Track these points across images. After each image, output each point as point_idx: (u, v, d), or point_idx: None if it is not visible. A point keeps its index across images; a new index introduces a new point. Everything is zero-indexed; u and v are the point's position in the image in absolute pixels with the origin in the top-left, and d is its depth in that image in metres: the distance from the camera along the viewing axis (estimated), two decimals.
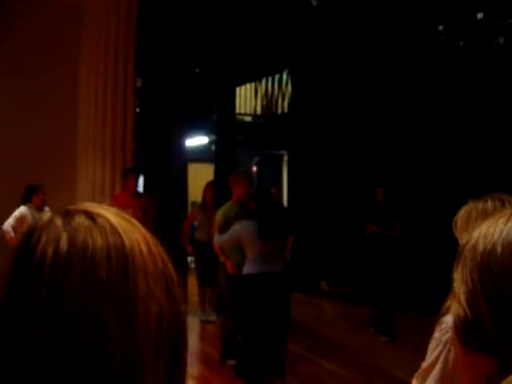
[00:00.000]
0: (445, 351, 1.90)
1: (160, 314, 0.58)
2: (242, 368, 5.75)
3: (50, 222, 0.59)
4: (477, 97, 7.92)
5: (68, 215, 0.60)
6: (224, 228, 5.85)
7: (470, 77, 8.03)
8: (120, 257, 0.57)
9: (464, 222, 1.87)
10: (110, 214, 0.61)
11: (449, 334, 1.88)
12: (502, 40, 7.68)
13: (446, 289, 1.09)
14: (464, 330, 0.72)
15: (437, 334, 1.94)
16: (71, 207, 0.61)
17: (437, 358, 1.92)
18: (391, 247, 7.16)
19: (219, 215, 6.14)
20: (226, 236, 5.71)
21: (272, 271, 5.57)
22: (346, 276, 10.06)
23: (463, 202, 1.95)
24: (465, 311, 0.72)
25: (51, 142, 9.56)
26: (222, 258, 6.01)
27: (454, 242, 1.85)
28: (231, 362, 6.02)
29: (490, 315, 0.68)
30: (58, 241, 0.56)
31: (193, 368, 6.47)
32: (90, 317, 0.54)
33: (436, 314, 1.92)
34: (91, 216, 0.60)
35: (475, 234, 0.75)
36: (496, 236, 0.72)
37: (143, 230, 0.62)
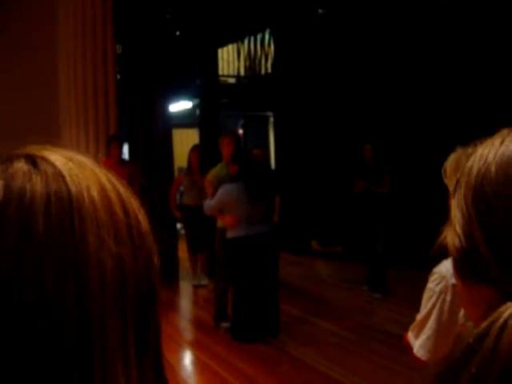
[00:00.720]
0: (439, 301, 1.88)
1: (121, 269, 0.51)
2: (236, 330, 5.78)
3: None
4: (461, 49, 7.83)
5: (7, 161, 0.52)
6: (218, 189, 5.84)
7: (455, 30, 7.93)
8: (63, 204, 0.50)
9: (453, 169, 1.80)
10: (56, 157, 0.53)
11: (442, 284, 1.86)
12: None
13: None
14: (461, 260, 0.68)
15: (430, 285, 1.92)
16: (13, 152, 0.54)
17: (431, 309, 1.91)
18: (380, 204, 7.16)
19: (211, 177, 6.15)
20: (213, 202, 5.68)
21: (258, 233, 5.57)
22: (336, 235, 10.08)
23: (448, 155, 1.90)
24: (460, 239, 0.67)
25: (33, 113, 9.42)
26: (219, 219, 5.96)
27: (444, 196, 1.80)
28: (225, 325, 6.04)
29: (485, 242, 0.63)
30: None
31: (187, 332, 6.51)
32: (29, 274, 0.47)
33: (428, 268, 1.90)
34: (33, 160, 0.52)
35: (472, 157, 0.70)
36: (491, 157, 0.66)
37: (101, 176, 0.54)
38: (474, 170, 0.67)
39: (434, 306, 1.89)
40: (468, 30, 7.74)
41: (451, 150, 1.95)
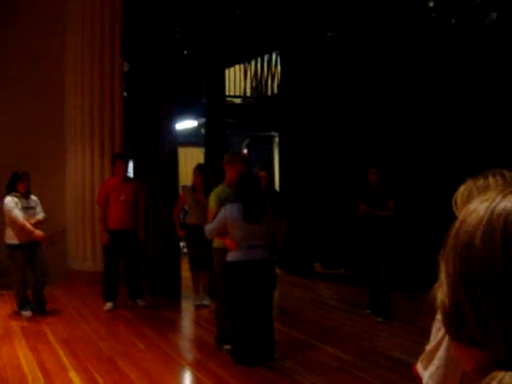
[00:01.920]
0: None
1: None
2: (236, 353, 5.71)
3: None
4: (469, 74, 7.83)
5: None
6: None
7: (463, 54, 7.93)
8: None
9: (465, 203, 1.76)
10: None
11: None
12: (494, 15, 7.55)
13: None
14: (449, 320, 0.69)
15: (439, 316, 1.87)
16: None
17: (441, 339, 1.87)
18: (384, 227, 7.10)
19: (212, 199, 6.05)
20: (214, 225, 5.63)
21: (257, 259, 5.51)
22: (340, 257, 10.02)
23: (454, 180, 1.86)
24: (447, 301, 0.69)
25: (40, 130, 9.46)
26: (220, 241, 5.89)
27: (449, 221, 1.75)
28: (227, 347, 5.96)
29: (471, 310, 0.65)
30: None
31: (188, 353, 6.42)
32: None
33: (424, 293, 1.85)
34: None
35: (461, 216, 0.71)
36: (476, 224, 0.67)
37: None
38: (460, 237, 0.68)
39: (443, 336, 1.86)
40: (476, 57, 7.74)
41: (457, 174, 1.91)
